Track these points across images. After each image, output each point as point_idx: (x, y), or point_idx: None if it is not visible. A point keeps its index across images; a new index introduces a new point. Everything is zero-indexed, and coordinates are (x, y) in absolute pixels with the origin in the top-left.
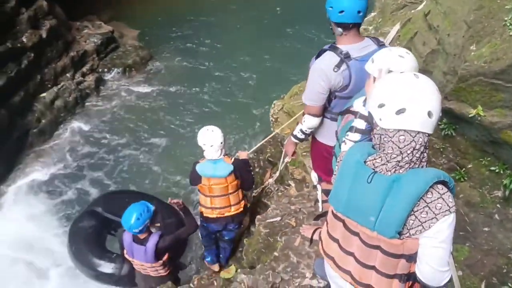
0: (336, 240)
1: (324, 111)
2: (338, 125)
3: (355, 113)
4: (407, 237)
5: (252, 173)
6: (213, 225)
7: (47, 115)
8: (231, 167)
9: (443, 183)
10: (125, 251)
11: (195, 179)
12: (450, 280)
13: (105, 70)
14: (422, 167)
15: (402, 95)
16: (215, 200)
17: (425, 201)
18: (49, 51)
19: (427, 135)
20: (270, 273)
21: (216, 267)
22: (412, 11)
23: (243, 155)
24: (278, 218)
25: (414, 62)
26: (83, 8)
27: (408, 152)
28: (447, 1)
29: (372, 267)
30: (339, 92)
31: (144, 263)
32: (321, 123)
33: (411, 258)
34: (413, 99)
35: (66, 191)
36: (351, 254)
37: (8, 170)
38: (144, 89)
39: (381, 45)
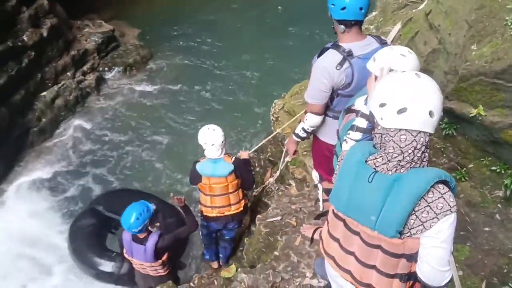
0: (336, 240)
1: (326, 110)
2: (340, 123)
3: (356, 112)
4: (408, 236)
5: (253, 172)
6: (213, 224)
7: (47, 114)
8: (232, 167)
9: (444, 182)
10: (124, 250)
11: (195, 178)
12: (451, 280)
13: (106, 69)
14: (423, 166)
15: (403, 95)
16: (215, 199)
17: (426, 201)
18: (50, 50)
19: (428, 134)
20: (270, 272)
21: (215, 264)
22: (413, 10)
23: (244, 154)
24: (279, 218)
25: (416, 61)
26: (84, 7)
27: (409, 151)
28: (448, 1)
29: (373, 267)
30: (341, 90)
31: (143, 262)
32: (323, 121)
33: (412, 257)
34: (414, 98)
35: (68, 188)
36: (351, 253)
37: (9, 169)
38: (145, 88)
39: (383, 43)
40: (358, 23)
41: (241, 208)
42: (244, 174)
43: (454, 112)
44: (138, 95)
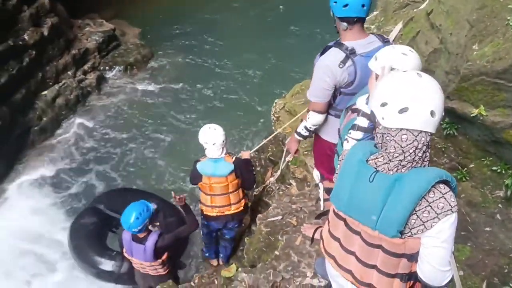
0: (337, 239)
1: (328, 108)
2: (341, 122)
3: (357, 111)
4: (409, 236)
5: (254, 172)
6: (213, 223)
7: (48, 113)
8: (232, 167)
9: (445, 182)
10: (124, 250)
11: (195, 177)
12: (452, 280)
13: (107, 68)
14: (424, 166)
15: (405, 94)
16: (216, 198)
17: (427, 201)
18: (51, 49)
19: (429, 134)
20: (271, 272)
21: (214, 262)
22: (415, 10)
23: (245, 154)
24: (279, 217)
25: (417, 60)
26: (85, 6)
27: (411, 151)
28: (449, 0)
29: (373, 266)
30: (344, 89)
31: (143, 262)
32: (325, 120)
33: (413, 257)
34: (416, 98)
35: (70, 186)
36: (352, 253)
37: (10, 168)
38: (146, 86)
39: (385, 41)
40: (361, 21)
41: (241, 208)
42: (245, 174)
43: (455, 112)
44: (139, 94)
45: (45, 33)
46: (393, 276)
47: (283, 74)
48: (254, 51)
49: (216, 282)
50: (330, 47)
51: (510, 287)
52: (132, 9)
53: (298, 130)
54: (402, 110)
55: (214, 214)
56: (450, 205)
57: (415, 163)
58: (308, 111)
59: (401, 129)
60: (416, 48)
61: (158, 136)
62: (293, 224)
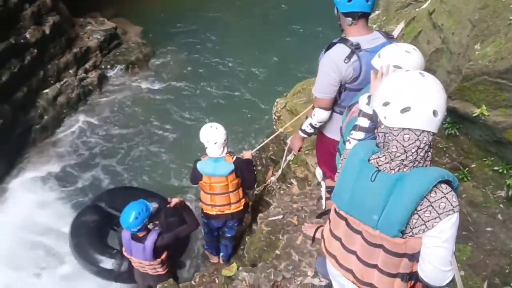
0: (338, 239)
1: (333, 105)
2: (343, 120)
3: (358, 112)
4: (410, 236)
5: (255, 172)
6: (213, 221)
7: (49, 111)
8: (232, 167)
9: (447, 182)
10: (123, 249)
11: (196, 177)
12: (453, 280)
13: (108, 66)
14: (426, 166)
15: (407, 94)
16: (216, 198)
17: (428, 200)
18: (52, 47)
19: (431, 134)
20: (271, 271)
21: (215, 259)
22: (417, 9)
23: (247, 154)
24: (280, 216)
25: (421, 58)
26: (86, 5)
27: (413, 151)
28: (451, 0)
29: (374, 266)
30: (349, 84)
31: (142, 261)
32: (329, 117)
33: (414, 257)
34: (418, 97)
35: (73, 182)
36: (353, 252)
37: (12, 166)
38: (147, 85)
39: (390, 37)
40: (365, 16)
41: (241, 207)
42: (246, 174)
43: (457, 112)
44: (141, 92)
45: (47, 31)
46: (394, 275)
47: (286, 72)
48: (256, 49)
49: (217, 281)
50: (335, 43)
51: (511, 287)
52: (133, 8)
53: (303, 127)
54: (405, 110)
55: (214, 213)
56: (451, 205)
57: (417, 162)
58: (313, 108)
59: (403, 129)
60: (418, 48)
61: (162, 133)
62: (294, 224)
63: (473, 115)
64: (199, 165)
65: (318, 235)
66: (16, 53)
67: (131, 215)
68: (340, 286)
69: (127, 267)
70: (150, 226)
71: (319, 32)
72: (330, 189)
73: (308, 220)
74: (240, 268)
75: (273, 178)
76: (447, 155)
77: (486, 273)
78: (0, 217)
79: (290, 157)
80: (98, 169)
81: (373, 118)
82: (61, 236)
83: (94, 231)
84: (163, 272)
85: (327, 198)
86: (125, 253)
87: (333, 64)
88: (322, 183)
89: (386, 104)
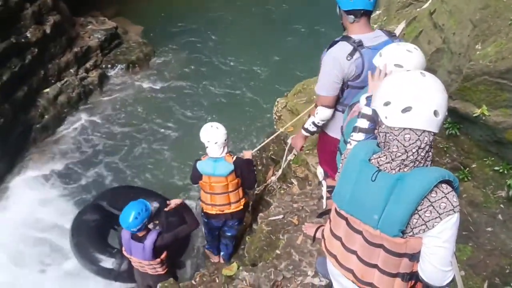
0: (339, 238)
1: (336, 103)
2: (344, 119)
3: (358, 113)
4: (410, 236)
5: (255, 172)
6: (213, 221)
7: (50, 110)
8: (232, 167)
9: (448, 182)
10: (123, 248)
11: (196, 177)
12: (453, 280)
13: (109, 66)
14: (427, 166)
15: (408, 93)
16: (216, 197)
17: (429, 200)
18: (53, 47)
19: (432, 134)
20: (272, 271)
21: (216, 258)
22: (418, 9)
23: (247, 154)
24: (281, 216)
25: (422, 58)
26: (87, 4)
27: (413, 151)
28: (452, 0)
29: (375, 266)
30: (351, 82)
31: (141, 260)
32: (332, 116)
33: (414, 257)
34: (419, 97)
35: (74, 180)
36: (353, 252)
37: (12, 165)
38: (148, 84)
39: (392, 36)
40: (367, 14)
41: (241, 207)
42: (246, 174)
43: (458, 112)
44: (142, 91)
45: (47, 31)
46: (394, 275)
47: (287, 71)
48: (257, 48)
49: (217, 280)
50: (337, 42)
51: (511, 287)
52: (134, 7)
53: (306, 126)
54: (406, 110)
55: (214, 212)
56: (452, 205)
57: (417, 162)
58: (316, 106)
59: (404, 129)
60: (419, 48)
61: (164, 131)
62: (294, 223)
63: (474, 115)
64: (199, 165)
65: (318, 235)
66: (16, 52)
67: (130, 215)
68: (340, 286)
69: (127, 266)
70: (150, 225)
71: (320, 31)
72: (331, 189)
73: (309, 220)
74: (241, 267)
75: (273, 178)
76: (447, 155)
77: (486, 273)
78: (3, 214)
79: (290, 156)
80: (100, 167)
81: (374, 118)
82: (64, 232)
83: (94, 230)
84: (163, 272)
85: (327, 198)
86: (124, 253)
87: (335, 61)
88: (323, 183)
89: (387, 104)
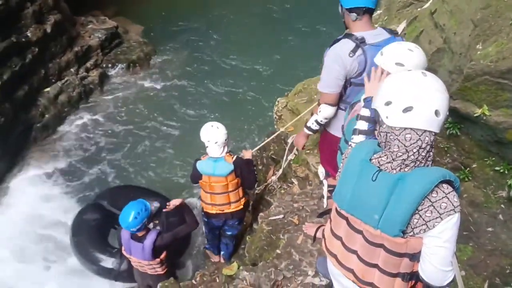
0: (339, 238)
1: (339, 101)
2: (345, 118)
3: (356, 115)
4: (411, 236)
5: (255, 172)
6: (213, 220)
7: (51, 110)
8: (231, 167)
9: (449, 182)
10: (123, 248)
11: (195, 177)
12: (453, 280)
13: (109, 65)
14: (428, 166)
15: (409, 93)
16: (215, 197)
17: (429, 200)
18: (54, 46)
19: (433, 134)
20: (272, 270)
21: (216, 258)
22: (418, 9)
23: (247, 154)
24: (281, 216)
25: (423, 57)
26: (88, 3)
27: (414, 150)
28: (453, 0)
29: (375, 266)
30: (354, 79)
31: (141, 260)
32: (334, 114)
33: (414, 257)
34: (420, 97)
35: (75, 180)
36: (354, 252)
37: (13, 164)
38: (148, 84)
39: (394, 33)
40: (369, 12)
41: (241, 206)
42: (246, 174)
43: (459, 112)
44: (142, 90)
45: (48, 30)
46: (394, 275)
47: (289, 70)
48: (258, 48)
49: (217, 280)
50: (339, 39)
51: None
52: (134, 7)
53: (308, 124)
54: (407, 109)
55: (214, 212)
56: (453, 205)
57: (418, 162)
58: (318, 104)
59: (405, 128)
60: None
61: (166, 129)
62: (295, 223)
63: (475, 115)
64: (198, 165)
65: (319, 235)
66: (17, 51)
67: (130, 214)
68: (340, 286)
69: (127, 266)
70: (150, 225)
71: (321, 31)
72: (332, 188)
73: (309, 220)
74: (241, 267)
75: (274, 178)
76: (448, 155)
77: (487, 273)
78: (6, 211)
79: (291, 156)
80: (102, 164)
81: (375, 118)
82: (68, 229)
83: (95, 230)
84: (162, 272)
85: (328, 197)
86: (124, 253)
87: (338, 58)
88: (324, 182)
89: (388, 103)
